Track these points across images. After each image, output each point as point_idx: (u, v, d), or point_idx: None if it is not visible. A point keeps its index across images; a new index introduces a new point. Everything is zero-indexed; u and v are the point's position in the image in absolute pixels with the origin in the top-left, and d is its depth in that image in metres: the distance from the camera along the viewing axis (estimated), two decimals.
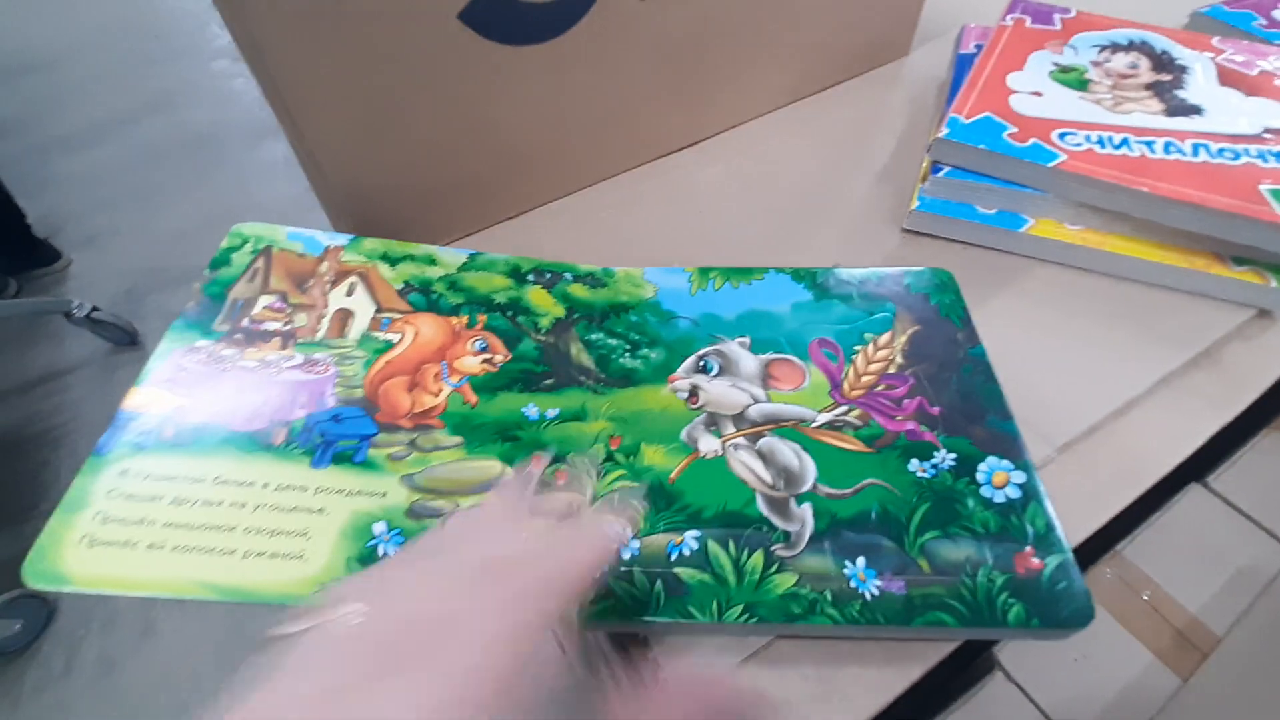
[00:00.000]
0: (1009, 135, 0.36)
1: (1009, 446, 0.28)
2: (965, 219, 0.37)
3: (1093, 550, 0.65)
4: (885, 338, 0.31)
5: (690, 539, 0.25)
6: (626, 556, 0.25)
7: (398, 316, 0.31)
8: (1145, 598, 0.62)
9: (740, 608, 0.24)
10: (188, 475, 0.24)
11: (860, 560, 0.25)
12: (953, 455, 0.27)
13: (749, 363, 0.31)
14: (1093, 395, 0.31)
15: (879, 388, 0.30)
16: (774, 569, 0.25)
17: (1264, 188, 0.32)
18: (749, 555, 0.25)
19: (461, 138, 0.36)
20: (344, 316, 0.30)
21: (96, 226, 1.57)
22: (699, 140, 0.46)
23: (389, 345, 0.30)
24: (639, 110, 0.41)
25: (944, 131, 0.36)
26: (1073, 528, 0.28)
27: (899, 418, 0.29)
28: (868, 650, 0.25)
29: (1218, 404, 0.32)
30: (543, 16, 0.34)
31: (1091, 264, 0.36)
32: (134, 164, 1.72)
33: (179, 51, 2.05)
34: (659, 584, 0.24)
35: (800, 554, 0.25)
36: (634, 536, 0.25)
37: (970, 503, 0.26)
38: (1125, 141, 0.35)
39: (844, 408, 0.29)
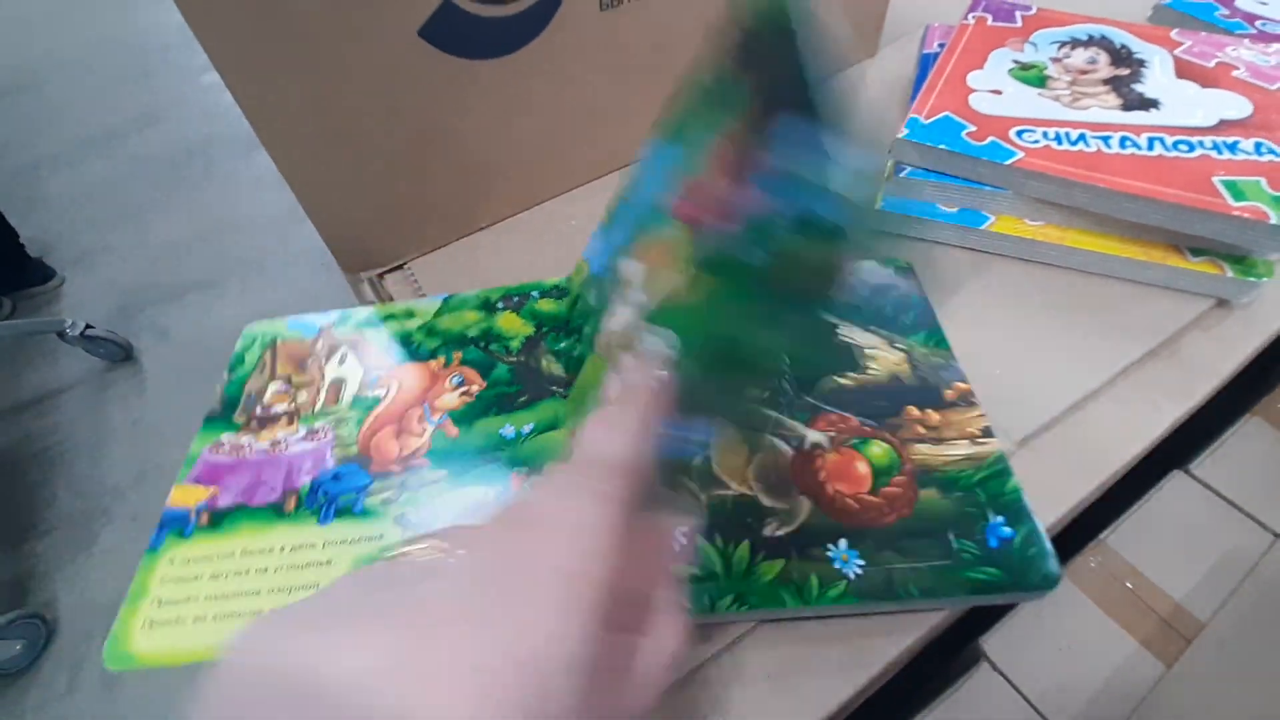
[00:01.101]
0: (968, 134, 0.36)
1: None
2: (928, 218, 0.37)
3: (1076, 539, 0.65)
4: None
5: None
6: None
7: (383, 373, 0.33)
8: (1129, 586, 0.63)
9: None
10: (219, 553, 0.27)
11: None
12: None
13: None
14: (1052, 389, 0.32)
15: None
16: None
17: (1217, 179, 0.33)
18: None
19: (425, 154, 0.37)
20: (338, 386, 0.33)
21: (88, 243, 1.58)
22: None
23: (377, 401, 0.32)
24: (602, 122, 0.42)
25: (903, 132, 0.37)
26: None
27: None
28: (831, 641, 0.26)
29: (1176, 395, 0.32)
30: (503, 29, 0.34)
31: (1052, 258, 0.36)
32: (124, 180, 1.73)
33: (167, 66, 2.05)
34: None
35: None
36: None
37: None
38: (1082, 137, 0.35)
39: None
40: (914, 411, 0.29)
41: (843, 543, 0.25)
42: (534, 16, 0.35)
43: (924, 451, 0.28)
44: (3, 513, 1.14)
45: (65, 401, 1.29)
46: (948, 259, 0.38)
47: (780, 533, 0.26)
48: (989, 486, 0.26)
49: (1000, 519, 0.25)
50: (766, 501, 0.27)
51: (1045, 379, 0.32)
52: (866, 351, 0.31)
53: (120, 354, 1.30)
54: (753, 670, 0.25)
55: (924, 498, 0.26)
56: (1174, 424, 0.32)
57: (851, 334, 0.32)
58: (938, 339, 0.32)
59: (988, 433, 0.28)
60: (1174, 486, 0.64)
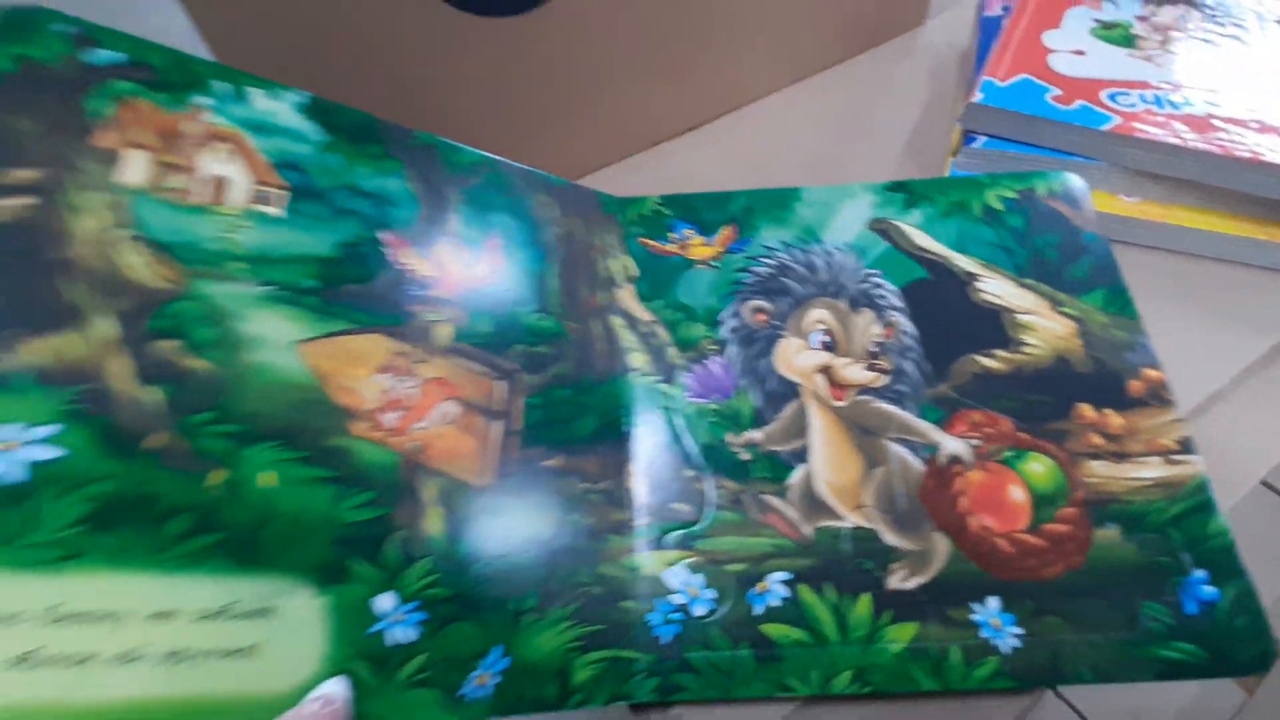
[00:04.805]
0: (1052, 98, 0.31)
1: None
2: None
3: None
4: None
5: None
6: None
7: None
8: None
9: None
10: None
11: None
12: None
13: None
14: None
15: None
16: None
17: None
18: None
19: (422, 124, 0.32)
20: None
21: None
22: (694, 126, 0.42)
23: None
24: (626, 94, 0.37)
25: (978, 96, 0.32)
26: None
27: None
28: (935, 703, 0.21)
29: None
30: None
31: (1154, 240, 0.31)
32: None
33: None
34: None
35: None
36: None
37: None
38: (1187, 100, 0.31)
39: None
40: (1088, 412, 0.22)
41: (993, 602, 0.19)
42: None
43: (1100, 472, 0.21)
44: None
45: None
46: None
47: (911, 584, 0.20)
48: (1187, 526, 0.20)
49: (1202, 573, 0.19)
50: (890, 538, 0.20)
51: None
52: (1020, 319, 0.23)
53: None
54: None
55: (1100, 540, 0.20)
56: None
57: (999, 290, 0.24)
58: (1121, 302, 0.24)
59: (1187, 446, 0.21)
60: (1250, 498, 0.59)
